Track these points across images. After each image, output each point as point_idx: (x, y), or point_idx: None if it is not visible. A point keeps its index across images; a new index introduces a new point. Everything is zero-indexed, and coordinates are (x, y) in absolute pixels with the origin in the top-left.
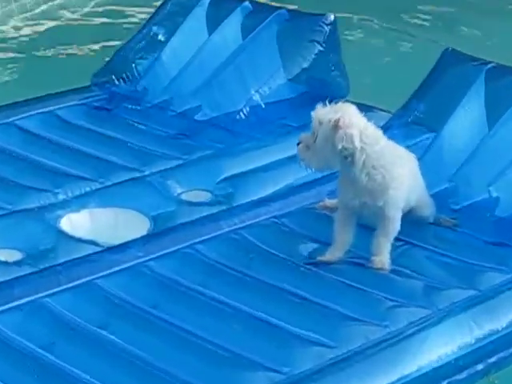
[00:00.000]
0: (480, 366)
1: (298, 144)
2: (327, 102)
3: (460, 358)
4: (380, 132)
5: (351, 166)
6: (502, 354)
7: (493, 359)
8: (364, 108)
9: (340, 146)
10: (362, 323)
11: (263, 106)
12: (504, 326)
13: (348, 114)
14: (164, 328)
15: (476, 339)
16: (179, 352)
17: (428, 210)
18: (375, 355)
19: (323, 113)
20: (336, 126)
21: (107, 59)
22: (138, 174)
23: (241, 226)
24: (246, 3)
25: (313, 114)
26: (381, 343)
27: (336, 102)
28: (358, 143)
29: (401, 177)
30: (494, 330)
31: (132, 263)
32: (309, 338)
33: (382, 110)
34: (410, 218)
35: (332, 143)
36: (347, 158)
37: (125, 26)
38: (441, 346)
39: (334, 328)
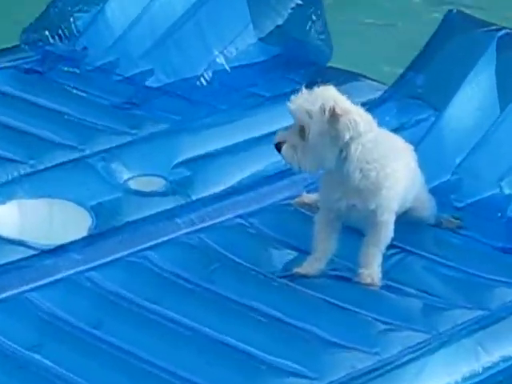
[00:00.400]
0: None
1: (278, 145)
2: (303, 88)
3: None
4: (370, 116)
5: (344, 161)
6: None
7: None
8: (350, 77)
9: (348, 137)
10: (348, 350)
11: (229, 71)
12: None
13: (338, 99)
14: (107, 352)
15: (484, 368)
16: (126, 380)
17: (427, 210)
18: None
19: (305, 102)
20: (334, 115)
21: (40, 12)
22: (76, 155)
23: (200, 226)
24: None
25: (291, 105)
26: (370, 373)
27: (316, 68)
28: (362, 128)
29: (396, 173)
30: (506, 357)
31: (70, 272)
32: (284, 367)
33: (372, 79)
34: (406, 219)
35: (331, 137)
36: (342, 151)
37: None
38: (442, 377)
39: (313, 355)
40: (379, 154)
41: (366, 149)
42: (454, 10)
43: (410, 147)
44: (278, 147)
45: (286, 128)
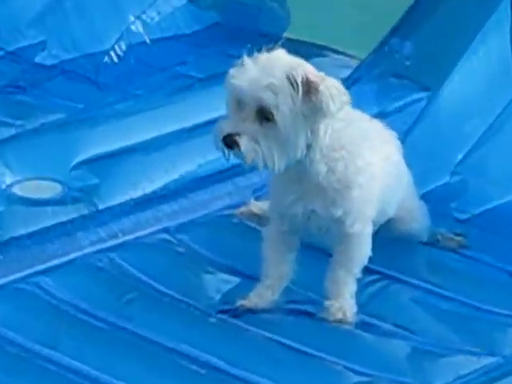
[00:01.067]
0: None
1: (229, 138)
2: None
3: None
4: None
5: (308, 148)
6: None
7: None
8: (314, 50)
9: (334, 110)
10: None
11: (149, 43)
12: None
13: (303, 64)
14: None
15: None
16: None
17: (418, 222)
18: None
19: (260, 75)
20: (310, 85)
21: None
22: None
23: (111, 244)
24: None
25: (239, 81)
26: None
27: (267, 40)
28: (346, 99)
29: (371, 166)
30: None
31: None
32: None
33: (341, 52)
34: (390, 235)
35: (304, 116)
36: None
37: None
38: None
39: None
40: (351, 139)
41: (335, 131)
42: None
43: (393, 134)
44: (230, 142)
45: (233, 115)
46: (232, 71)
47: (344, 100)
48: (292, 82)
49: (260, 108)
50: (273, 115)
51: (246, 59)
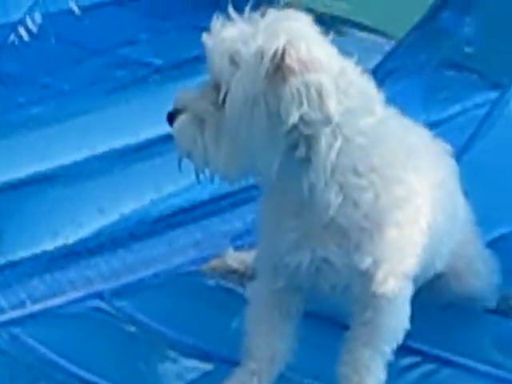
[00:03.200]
0: None
1: (173, 115)
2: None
3: None
4: (372, 83)
5: (305, 167)
6: None
7: None
8: (332, 25)
9: (294, 118)
10: None
11: (77, 12)
12: None
13: (301, 37)
14: None
15: None
16: None
17: (479, 279)
18: None
19: (236, 36)
20: (281, 68)
21: None
22: None
23: (17, 315)
24: None
25: (208, 40)
26: None
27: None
28: (333, 108)
29: (415, 198)
30: None
31: None
32: None
33: (368, 28)
34: (440, 298)
35: (268, 111)
36: (296, 146)
37: None
38: None
39: None
40: (386, 159)
41: (354, 147)
42: None
43: (448, 149)
44: (170, 119)
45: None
46: (215, 25)
47: (328, 111)
48: (261, 56)
49: (216, 83)
50: (223, 96)
51: (247, 13)
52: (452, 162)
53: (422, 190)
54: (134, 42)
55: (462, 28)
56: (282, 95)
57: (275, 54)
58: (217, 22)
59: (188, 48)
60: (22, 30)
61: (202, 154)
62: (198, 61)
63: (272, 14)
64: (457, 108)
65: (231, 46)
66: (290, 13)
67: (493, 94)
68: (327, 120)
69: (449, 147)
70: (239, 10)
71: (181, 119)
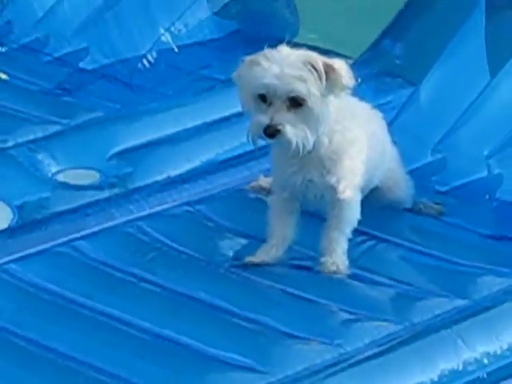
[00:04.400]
0: None
1: (268, 129)
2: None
3: None
4: None
5: None
6: None
7: None
8: (318, 53)
9: (351, 85)
10: (306, 342)
11: (177, 51)
12: (505, 347)
13: (310, 52)
14: (32, 352)
15: (464, 364)
16: (44, 381)
17: (401, 190)
18: (321, 382)
19: (285, 69)
20: (329, 69)
21: None
22: None
23: (139, 215)
24: None
25: (271, 80)
26: (330, 367)
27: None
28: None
29: (359, 140)
30: (491, 353)
31: None
32: (232, 361)
33: (341, 55)
34: (378, 203)
35: (324, 97)
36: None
37: None
38: (415, 374)
39: (266, 349)
40: (344, 115)
41: (333, 111)
42: None
43: (378, 114)
44: (272, 132)
45: (261, 110)
46: (254, 72)
47: (352, 75)
48: (312, 68)
49: (292, 98)
50: (305, 101)
51: (259, 58)
52: (382, 122)
53: (361, 136)
54: (208, 66)
55: (394, 49)
56: (338, 76)
57: (323, 64)
58: (244, 63)
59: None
60: (145, 60)
61: (301, 141)
62: None
63: (278, 50)
64: (390, 97)
65: (294, 73)
66: (285, 47)
67: (410, 89)
68: (352, 81)
69: (381, 113)
70: None
71: (287, 129)
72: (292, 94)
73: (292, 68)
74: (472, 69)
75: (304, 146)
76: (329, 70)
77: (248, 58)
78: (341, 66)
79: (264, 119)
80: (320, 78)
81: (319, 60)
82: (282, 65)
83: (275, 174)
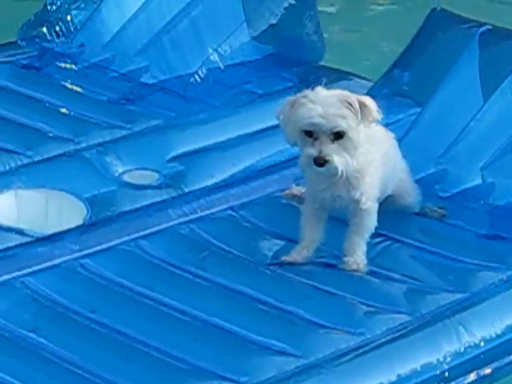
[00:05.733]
0: (471, 378)
1: (318, 159)
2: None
3: (447, 369)
4: None
5: None
6: (496, 365)
7: (486, 370)
8: (340, 75)
9: (379, 117)
10: (333, 330)
11: (223, 68)
12: (499, 332)
13: (344, 92)
14: (104, 334)
15: (466, 347)
16: (123, 361)
17: (411, 197)
18: (347, 364)
19: (329, 109)
20: (362, 106)
21: (37, 9)
22: (72, 147)
23: (192, 218)
24: None
25: (318, 119)
26: (354, 351)
27: (309, 67)
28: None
29: (374, 162)
30: (487, 337)
31: (65, 259)
32: (271, 346)
33: (361, 77)
34: (391, 208)
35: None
36: None
37: None
38: (424, 355)
39: (299, 336)
40: (366, 139)
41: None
42: (438, 9)
43: (391, 135)
44: (321, 162)
45: (308, 144)
46: (301, 113)
47: (379, 110)
48: (348, 105)
49: (336, 132)
50: (346, 134)
51: (302, 100)
52: (394, 141)
53: (378, 156)
54: (250, 82)
55: (402, 76)
56: (370, 112)
57: (359, 102)
58: (287, 103)
59: (275, 85)
60: (197, 76)
61: (346, 166)
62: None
63: (318, 92)
64: (401, 116)
65: (337, 113)
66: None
67: (418, 109)
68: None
69: (392, 133)
70: None
71: (335, 159)
72: (336, 130)
73: (333, 107)
74: (468, 94)
75: (347, 170)
76: (361, 105)
77: (290, 98)
78: (371, 102)
79: (313, 152)
80: (356, 113)
81: (354, 98)
82: (324, 105)
83: (308, 188)
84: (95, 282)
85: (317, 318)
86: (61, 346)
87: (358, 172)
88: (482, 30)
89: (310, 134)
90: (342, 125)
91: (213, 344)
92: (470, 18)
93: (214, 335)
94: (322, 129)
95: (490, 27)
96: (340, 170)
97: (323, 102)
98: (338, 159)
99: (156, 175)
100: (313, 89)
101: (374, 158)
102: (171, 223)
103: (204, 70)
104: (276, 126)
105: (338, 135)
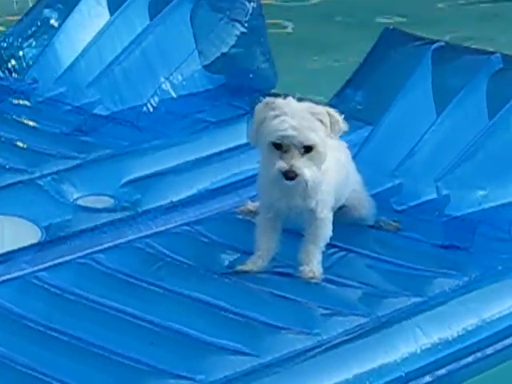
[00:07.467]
0: (427, 379)
1: (288, 173)
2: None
3: (404, 369)
4: None
5: None
6: (453, 366)
7: (442, 371)
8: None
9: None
10: (289, 331)
11: (175, 97)
12: (455, 335)
13: (314, 105)
14: (59, 339)
15: (422, 349)
16: (79, 364)
17: (365, 209)
18: (303, 363)
19: (302, 122)
20: (333, 119)
21: None
22: (26, 177)
23: (147, 233)
24: None
25: (291, 132)
26: (310, 351)
27: (261, 94)
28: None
29: (329, 169)
30: (444, 339)
31: (20, 273)
32: (227, 346)
33: (314, 101)
34: (346, 220)
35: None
36: None
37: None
38: (381, 355)
39: (256, 337)
40: None
41: None
42: (390, 27)
43: (343, 143)
44: (291, 175)
45: (276, 157)
46: (271, 126)
47: (344, 121)
48: (319, 118)
49: (306, 145)
50: (315, 147)
51: (276, 109)
52: (346, 150)
53: (331, 164)
54: (201, 111)
55: (354, 96)
56: (339, 124)
57: (332, 115)
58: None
59: (226, 113)
60: (149, 105)
61: (315, 178)
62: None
63: (294, 102)
64: (353, 136)
65: (307, 126)
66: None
67: (369, 128)
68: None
69: (345, 143)
70: None
71: (305, 172)
72: (307, 143)
73: (306, 120)
74: (421, 108)
75: (315, 182)
76: (330, 117)
77: (264, 101)
78: (337, 113)
79: (284, 165)
80: (326, 126)
81: (323, 110)
82: (296, 117)
83: (262, 197)
84: (50, 292)
85: (273, 321)
86: (16, 351)
87: (313, 182)
88: (434, 46)
89: (278, 146)
90: (314, 138)
91: (169, 346)
92: (423, 36)
93: (170, 338)
94: (293, 142)
95: (442, 44)
96: (311, 183)
97: (295, 115)
98: (309, 172)
99: (111, 200)
100: (285, 97)
101: (328, 165)
102: (126, 239)
103: (156, 99)
104: (230, 150)
105: (308, 148)
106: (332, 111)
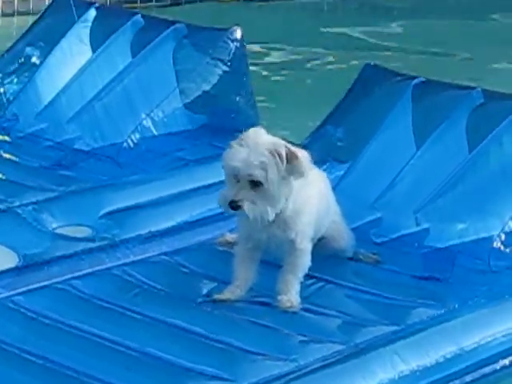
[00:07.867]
0: None
1: (233, 203)
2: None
3: None
4: None
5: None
6: None
7: None
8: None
9: (308, 170)
10: (266, 357)
11: (156, 135)
12: (434, 362)
13: (277, 140)
14: (33, 362)
15: (400, 376)
16: None
17: (344, 240)
18: None
19: (251, 156)
20: (292, 156)
21: None
22: (5, 205)
23: (125, 261)
24: (138, 17)
25: (235, 163)
26: (286, 376)
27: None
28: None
29: (310, 199)
30: (422, 366)
31: None
32: (204, 372)
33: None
34: (325, 252)
35: (284, 178)
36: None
37: None
38: (357, 380)
39: (233, 362)
40: (303, 182)
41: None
42: (371, 63)
43: (323, 174)
44: (235, 206)
45: (231, 185)
46: (227, 154)
47: (310, 165)
48: (276, 154)
49: (252, 180)
50: (263, 183)
51: (235, 143)
52: (327, 180)
53: (313, 196)
54: (181, 150)
55: (336, 134)
56: (300, 164)
57: (286, 152)
58: (231, 148)
59: (206, 152)
60: (129, 142)
61: (259, 214)
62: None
63: (253, 133)
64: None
65: (255, 161)
66: (257, 129)
67: (346, 166)
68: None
69: (325, 173)
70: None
71: (245, 205)
72: (251, 178)
73: (257, 155)
74: (401, 143)
75: (263, 218)
76: (292, 157)
77: (233, 142)
78: (303, 155)
79: (229, 195)
80: (282, 163)
81: (283, 148)
82: (250, 151)
83: (241, 229)
84: (26, 316)
85: (250, 347)
86: None
87: (294, 211)
88: (415, 81)
89: (235, 176)
90: (257, 175)
91: (145, 371)
92: (403, 72)
93: (146, 363)
94: (240, 174)
95: (423, 79)
96: (252, 217)
97: (251, 148)
98: (251, 206)
99: (90, 230)
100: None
101: (309, 196)
102: (104, 266)
103: (137, 136)
104: (209, 186)
105: (257, 183)
106: (297, 151)
